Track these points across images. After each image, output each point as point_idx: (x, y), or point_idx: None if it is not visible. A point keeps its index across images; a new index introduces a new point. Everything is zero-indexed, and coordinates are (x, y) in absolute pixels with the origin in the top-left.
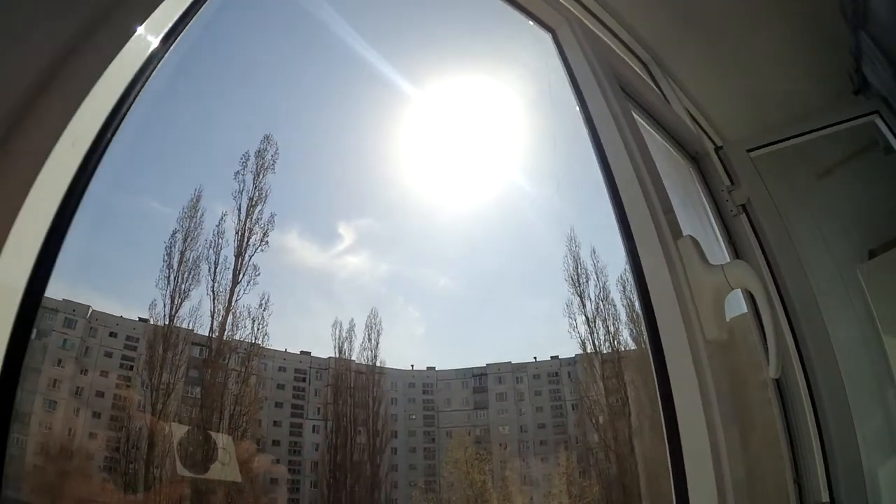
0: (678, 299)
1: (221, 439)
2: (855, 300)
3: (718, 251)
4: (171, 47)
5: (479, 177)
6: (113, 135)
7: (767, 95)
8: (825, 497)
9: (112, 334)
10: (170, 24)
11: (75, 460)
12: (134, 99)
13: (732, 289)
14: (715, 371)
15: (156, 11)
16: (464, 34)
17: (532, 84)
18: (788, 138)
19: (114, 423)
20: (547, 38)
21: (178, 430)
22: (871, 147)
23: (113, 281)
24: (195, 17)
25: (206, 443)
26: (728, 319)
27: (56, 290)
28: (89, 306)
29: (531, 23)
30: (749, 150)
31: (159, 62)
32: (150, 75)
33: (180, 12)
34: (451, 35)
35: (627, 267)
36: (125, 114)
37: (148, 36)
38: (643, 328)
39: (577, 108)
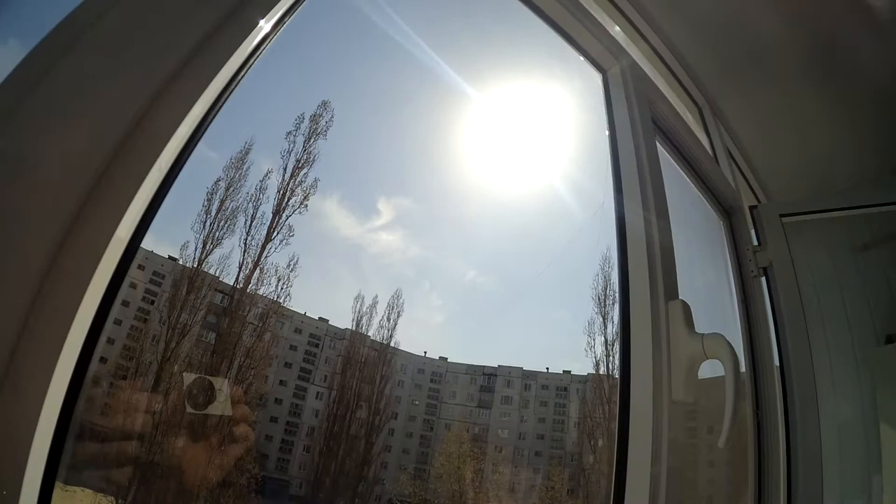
0: (654, 357)
1: (224, 384)
2: (863, 383)
3: (730, 310)
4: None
5: (524, 181)
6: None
7: (815, 161)
8: None
9: (140, 266)
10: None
11: (81, 382)
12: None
13: (707, 357)
14: (673, 428)
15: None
16: (521, 49)
17: (585, 101)
18: (825, 210)
19: (125, 353)
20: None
21: (190, 377)
22: None
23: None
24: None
25: (210, 387)
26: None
27: None
28: None
29: (583, 59)
30: (783, 216)
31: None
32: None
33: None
34: (507, 44)
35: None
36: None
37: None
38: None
39: (608, 147)
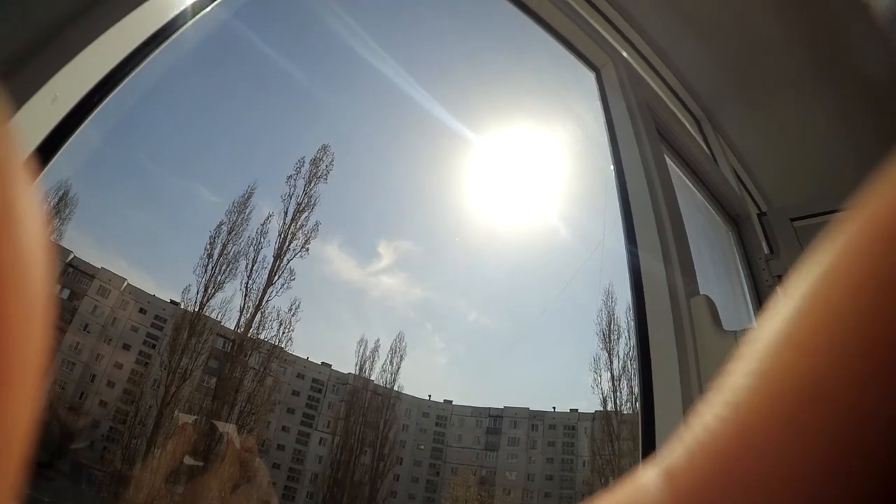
0: (679, 362)
1: (228, 428)
2: None
3: (747, 322)
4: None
5: (524, 220)
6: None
7: (822, 164)
8: None
9: (142, 310)
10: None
11: (81, 422)
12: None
13: None
14: None
15: None
16: (513, 69)
17: (585, 126)
18: (838, 210)
19: (126, 396)
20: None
21: (186, 417)
22: None
23: (153, 259)
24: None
25: (211, 433)
26: None
27: (96, 257)
28: (125, 279)
29: (577, 60)
30: (793, 220)
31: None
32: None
33: None
34: (499, 71)
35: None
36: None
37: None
38: (636, 385)
39: (609, 148)
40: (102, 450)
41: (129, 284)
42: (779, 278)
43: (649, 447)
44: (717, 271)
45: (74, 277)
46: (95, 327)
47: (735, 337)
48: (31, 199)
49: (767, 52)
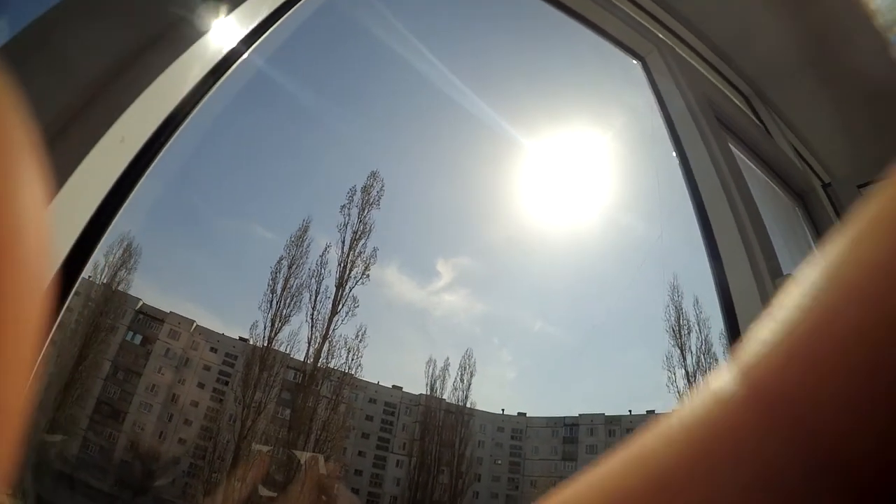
0: None
1: (309, 457)
2: None
3: None
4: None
5: (577, 221)
6: (169, 136)
7: (881, 124)
8: None
9: (213, 349)
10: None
11: (161, 462)
12: (199, 100)
13: None
14: None
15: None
16: (556, 67)
17: (637, 121)
18: None
19: (203, 433)
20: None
21: (264, 448)
22: None
23: (217, 299)
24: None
25: (289, 463)
26: None
27: (164, 302)
28: (194, 321)
29: (620, 51)
30: (860, 186)
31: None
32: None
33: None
34: (544, 70)
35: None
36: (186, 115)
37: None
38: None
39: (669, 139)
40: (184, 485)
41: (197, 325)
42: None
43: None
44: (789, 250)
45: (145, 323)
46: (169, 369)
47: None
48: (35, 199)
49: (806, 21)
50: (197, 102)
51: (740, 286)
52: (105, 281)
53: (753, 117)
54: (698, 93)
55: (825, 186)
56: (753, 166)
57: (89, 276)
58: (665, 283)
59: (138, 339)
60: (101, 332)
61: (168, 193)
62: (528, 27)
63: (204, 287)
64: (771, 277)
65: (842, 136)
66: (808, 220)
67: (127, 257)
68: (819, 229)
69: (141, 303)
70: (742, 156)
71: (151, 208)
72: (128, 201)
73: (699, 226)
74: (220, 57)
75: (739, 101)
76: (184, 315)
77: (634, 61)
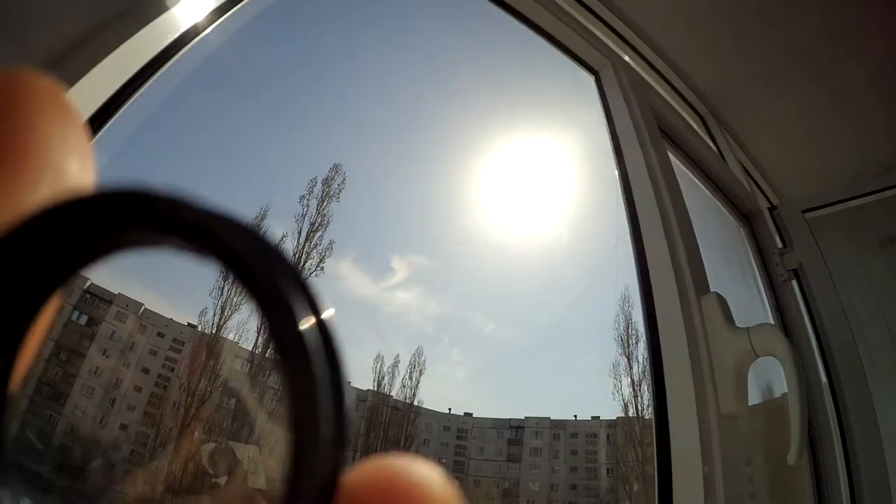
0: (692, 363)
1: (250, 451)
2: None
3: (763, 320)
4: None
5: (537, 229)
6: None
7: (832, 151)
8: None
9: (160, 334)
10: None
11: (102, 447)
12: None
13: (758, 356)
14: (726, 450)
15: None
16: (514, 76)
17: (590, 130)
18: (849, 199)
19: (146, 419)
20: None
21: (207, 437)
22: None
23: (168, 283)
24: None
25: (232, 454)
26: (780, 395)
27: (113, 283)
28: (142, 304)
29: (575, 65)
30: (805, 211)
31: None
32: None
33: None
34: (501, 78)
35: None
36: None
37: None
38: (649, 391)
39: (611, 148)
40: (124, 472)
41: (146, 309)
42: (793, 272)
43: (664, 448)
44: (730, 269)
45: (92, 303)
46: (114, 352)
47: (748, 334)
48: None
49: (770, 44)
50: (149, 77)
51: (664, 299)
52: None
53: (706, 136)
54: (644, 106)
55: (771, 209)
56: (700, 184)
57: None
58: (616, 293)
59: (84, 319)
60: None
61: (119, 171)
62: (483, 32)
63: (155, 270)
64: (696, 294)
65: (793, 160)
66: (751, 241)
67: None
68: (762, 251)
69: (89, 282)
70: (689, 173)
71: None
72: None
73: (631, 238)
74: (178, 33)
75: (693, 119)
76: (132, 298)
77: (589, 76)
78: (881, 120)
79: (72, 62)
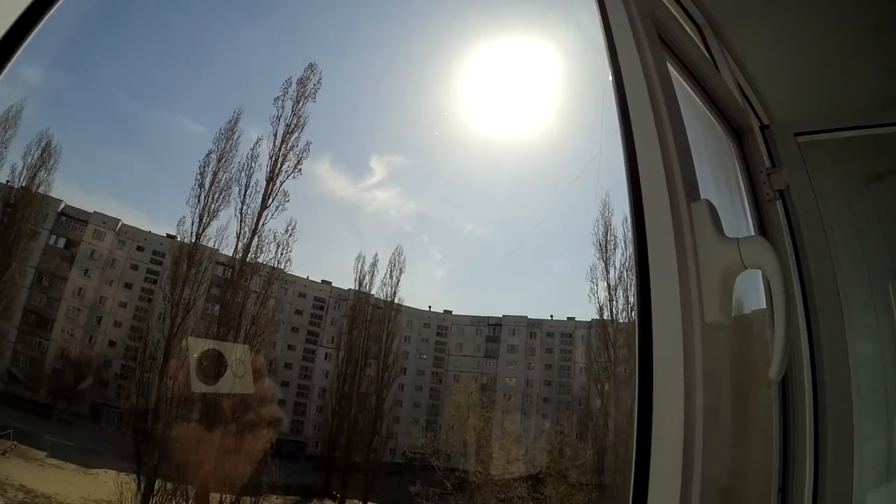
0: (679, 270)
1: (237, 350)
2: (881, 317)
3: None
4: None
5: (519, 129)
6: None
7: (829, 80)
8: None
9: (139, 248)
10: None
11: (93, 366)
12: None
13: (746, 268)
14: (707, 358)
15: None
16: None
17: (581, 35)
18: (843, 129)
19: (133, 334)
20: None
21: (194, 345)
22: None
23: (143, 195)
24: None
25: (220, 358)
26: (750, 311)
27: (87, 202)
28: (119, 220)
29: None
30: (797, 135)
31: None
32: None
33: None
34: None
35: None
36: None
37: None
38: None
39: (606, 52)
40: (117, 388)
41: (123, 224)
42: (779, 192)
43: (646, 351)
44: (717, 184)
45: (68, 225)
46: (96, 271)
47: (737, 244)
48: None
49: None
50: None
51: (654, 204)
52: (24, 184)
53: (703, 47)
54: (643, 8)
55: (763, 128)
56: (694, 95)
57: (7, 181)
58: (597, 199)
59: (62, 242)
60: (22, 239)
61: (86, 88)
62: None
63: (129, 184)
64: (686, 200)
65: (788, 82)
66: (740, 158)
67: (46, 157)
68: (750, 169)
69: (63, 204)
70: (683, 81)
71: (69, 105)
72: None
73: (622, 141)
74: None
75: (691, 28)
76: (109, 214)
77: None
78: (884, 56)
79: None
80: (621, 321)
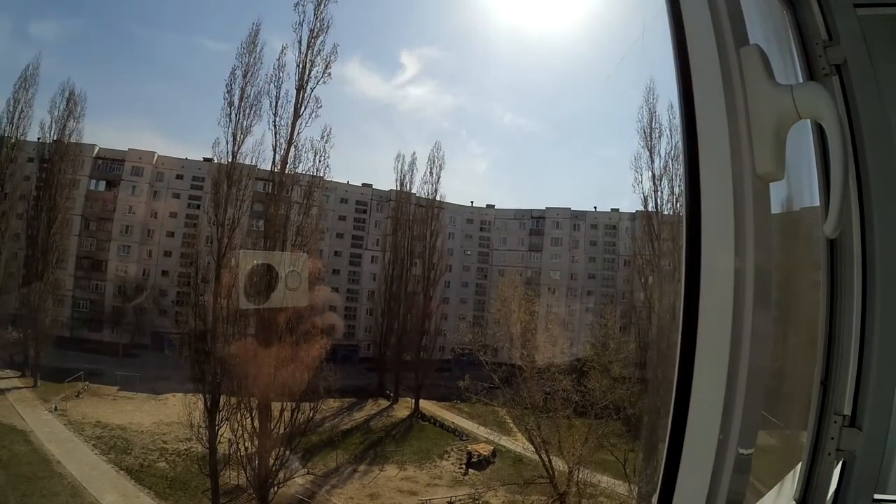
0: (728, 118)
1: (288, 259)
2: None
3: None
4: None
5: (558, 10)
6: None
7: None
8: (847, 409)
9: (178, 176)
10: None
11: (150, 298)
12: None
13: (801, 118)
14: (759, 217)
15: None
16: None
17: None
18: None
19: (184, 260)
20: None
21: (244, 262)
22: None
23: (175, 123)
24: None
25: (269, 273)
26: (799, 209)
27: (120, 140)
28: (154, 152)
29: None
30: (856, 6)
31: None
32: None
33: None
34: None
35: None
36: None
37: None
38: (680, 154)
39: None
40: (175, 315)
41: (159, 156)
42: (836, 67)
43: (695, 205)
44: (770, 53)
45: (106, 167)
46: (139, 206)
47: (791, 91)
48: None
49: None
50: None
51: (700, 49)
52: (56, 137)
53: None
54: None
55: None
56: None
57: (38, 138)
58: (642, 85)
59: (102, 185)
60: (64, 189)
61: (101, 30)
62: None
63: (158, 115)
64: (735, 45)
65: None
66: (794, 28)
67: (73, 106)
68: (804, 41)
69: (97, 148)
70: None
71: (87, 47)
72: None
73: None
74: None
75: None
76: (143, 149)
77: None
78: None
79: None
80: (666, 213)
